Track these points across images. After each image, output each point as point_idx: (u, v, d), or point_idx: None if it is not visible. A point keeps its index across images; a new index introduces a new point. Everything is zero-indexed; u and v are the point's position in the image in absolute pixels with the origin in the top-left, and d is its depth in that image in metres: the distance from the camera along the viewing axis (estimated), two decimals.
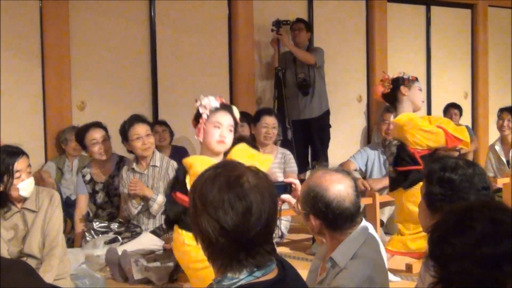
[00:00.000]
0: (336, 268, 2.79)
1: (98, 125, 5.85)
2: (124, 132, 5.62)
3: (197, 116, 3.95)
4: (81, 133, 5.88)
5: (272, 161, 6.15)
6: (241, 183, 1.94)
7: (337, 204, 2.77)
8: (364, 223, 2.92)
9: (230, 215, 1.90)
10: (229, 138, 3.92)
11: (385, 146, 5.72)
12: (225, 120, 3.93)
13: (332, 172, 2.89)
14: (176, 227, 3.86)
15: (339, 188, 2.79)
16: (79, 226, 6.04)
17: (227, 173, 1.96)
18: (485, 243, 1.66)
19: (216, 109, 3.92)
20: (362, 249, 2.81)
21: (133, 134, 5.55)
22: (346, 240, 2.82)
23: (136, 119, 5.70)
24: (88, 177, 6.13)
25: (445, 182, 2.75)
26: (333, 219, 2.78)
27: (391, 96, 5.28)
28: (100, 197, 6.03)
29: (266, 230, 1.96)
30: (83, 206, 6.14)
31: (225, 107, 3.99)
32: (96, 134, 5.71)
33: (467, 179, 2.74)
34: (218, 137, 3.83)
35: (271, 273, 1.99)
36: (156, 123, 7.41)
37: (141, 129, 5.57)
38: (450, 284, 1.71)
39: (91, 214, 6.16)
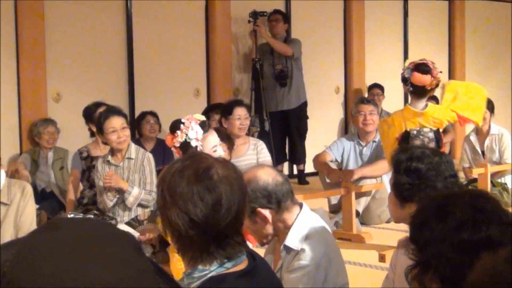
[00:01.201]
0: (292, 253, 2.88)
1: (118, 112, 5.72)
2: (100, 124, 5.58)
3: (186, 148, 4.18)
4: (100, 119, 5.71)
5: (245, 152, 6.18)
6: (210, 175, 1.92)
7: (273, 182, 2.84)
8: (304, 206, 3.00)
9: (199, 208, 1.89)
10: (222, 152, 4.17)
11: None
12: (216, 140, 4.25)
13: (247, 169, 3.03)
14: (171, 248, 3.92)
15: (265, 170, 2.91)
16: (71, 194, 6.13)
17: (196, 165, 1.95)
18: (464, 229, 1.68)
19: (204, 136, 4.15)
20: (312, 229, 2.91)
21: (108, 127, 5.49)
22: (294, 225, 2.89)
23: (112, 111, 5.64)
24: (85, 154, 6.16)
25: (412, 172, 2.77)
26: (277, 199, 2.84)
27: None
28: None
29: (236, 222, 1.95)
30: (75, 180, 6.20)
31: (205, 127, 4.26)
32: (115, 123, 5.58)
33: (434, 167, 2.77)
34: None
35: (241, 264, 1.98)
36: (148, 113, 7.39)
37: (116, 122, 5.51)
38: (428, 267, 1.73)
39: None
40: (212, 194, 1.90)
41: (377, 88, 9.37)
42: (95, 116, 5.85)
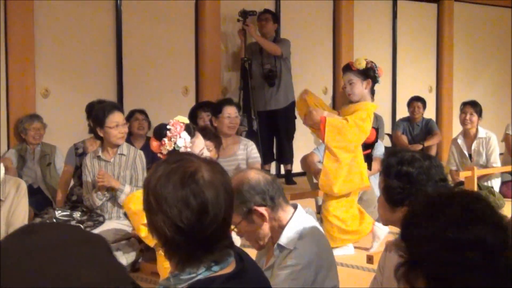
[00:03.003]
0: (285, 251, 2.92)
1: (119, 108, 5.70)
2: (102, 118, 5.53)
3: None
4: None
5: (235, 152, 6.18)
6: (196, 180, 1.89)
7: (264, 180, 2.89)
8: (299, 207, 3.04)
9: (185, 214, 1.86)
10: (208, 153, 4.27)
11: None
12: (202, 143, 4.28)
13: (234, 174, 3.14)
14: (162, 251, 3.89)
15: (253, 171, 2.98)
16: (60, 194, 6.12)
17: (182, 169, 1.92)
18: (452, 228, 1.67)
19: (191, 141, 4.15)
20: (306, 229, 2.95)
21: (112, 121, 5.46)
22: (289, 224, 2.93)
23: (115, 106, 5.65)
24: (80, 151, 6.13)
25: (402, 176, 2.76)
26: (271, 196, 2.88)
27: None
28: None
29: (223, 226, 1.94)
30: (68, 176, 6.18)
31: (189, 129, 4.25)
32: (119, 118, 5.56)
33: (424, 171, 2.77)
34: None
35: (229, 267, 1.97)
36: (137, 111, 7.38)
37: (119, 117, 5.51)
38: (415, 266, 1.72)
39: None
40: (197, 199, 1.87)
41: (417, 101, 9.35)
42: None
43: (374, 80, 5.60)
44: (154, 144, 4.28)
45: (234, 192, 2.80)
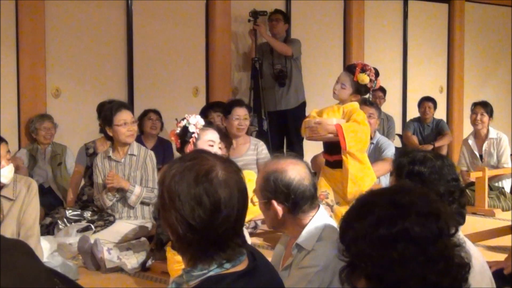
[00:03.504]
0: (303, 252, 2.89)
1: (128, 107, 5.72)
2: (110, 116, 5.55)
3: (184, 134, 4.13)
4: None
5: (245, 152, 6.18)
6: (210, 179, 1.90)
7: (297, 184, 2.85)
8: (321, 208, 3.00)
9: (197, 213, 1.88)
10: (218, 151, 4.18)
11: None
12: (216, 137, 4.22)
13: (284, 157, 2.99)
14: (169, 248, 3.91)
15: (296, 169, 2.89)
16: (71, 194, 6.16)
17: (197, 167, 1.93)
18: (381, 225, 1.70)
19: (204, 127, 4.12)
20: (326, 231, 2.90)
21: (119, 119, 5.48)
22: (309, 225, 2.91)
23: (123, 105, 5.67)
24: (91, 151, 6.16)
25: (414, 175, 2.76)
26: (295, 200, 2.85)
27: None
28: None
29: (235, 225, 1.95)
30: (78, 176, 6.23)
31: (211, 125, 4.28)
32: (127, 116, 5.57)
33: (436, 171, 2.76)
34: None
35: (241, 265, 1.98)
36: (150, 110, 7.40)
37: (127, 115, 5.53)
38: (354, 267, 1.76)
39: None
40: (210, 198, 1.88)
41: (379, 91, 9.32)
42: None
43: (361, 96, 5.57)
44: (172, 131, 4.35)
45: (265, 176, 2.83)
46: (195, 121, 4.19)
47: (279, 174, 2.84)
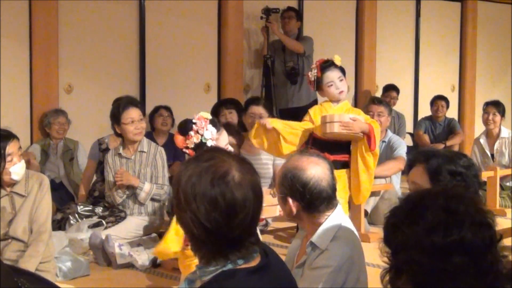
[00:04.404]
0: (317, 251, 2.87)
1: (136, 104, 5.69)
2: (117, 114, 5.55)
3: (200, 147, 4.14)
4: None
5: (262, 151, 6.17)
6: (226, 181, 1.90)
7: (314, 184, 2.83)
8: (338, 207, 2.98)
9: (213, 215, 1.88)
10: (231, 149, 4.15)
11: None
12: (227, 138, 4.30)
13: (308, 155, 2.97)
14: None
15: (316, 169, 2.87)
16: (83, 189, 6.19)
17: (213, 169, 1.92)
18: (435, 233, 1.64)
19: (217, 134, 4.19)
20: (341, 231, 2.89)
21: (127, 117, 5.48)
22: (325, 223, 2.89)
23: (131, 102, 5.64)
24: (104, 146, 6.20)
25: (457, 175, 2.74)
26: (310, 200, 2.85)
27: None
28: None
29: (250, 226, 1.95)
30: (91, 171, 6.26)
31: (216, 125, 4.28)
32: (134, 114, 5.57)
33: (474, 174, 2.77)
34: None
35: (253, 261, 1.98)
36: (162, 107, 7.41)
37: (135, 113, 5.51)
38: (400, 272, 1.70)
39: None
40: (226, 201, 1.88)
41: (393, 91, 9.30)
42: None
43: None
44: (179, 139, 4.27)
45: (285, 171, 2.85)
46: (209, 135, 4.16)
47: (297, 172, 2.84)
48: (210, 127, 4.17)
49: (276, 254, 2.17)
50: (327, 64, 5.46)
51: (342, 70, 5.52)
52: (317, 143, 5.31)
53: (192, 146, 4.17)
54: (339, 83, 5.39)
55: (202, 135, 4.15)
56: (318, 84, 5.41)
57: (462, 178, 2.73)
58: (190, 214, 1.90)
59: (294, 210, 2.88)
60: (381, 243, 1.81)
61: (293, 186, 2.84)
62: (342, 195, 5.13)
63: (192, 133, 4.18)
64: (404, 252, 1.68)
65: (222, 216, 1.88)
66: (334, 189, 2.93)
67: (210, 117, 4.31)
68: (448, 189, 1.90)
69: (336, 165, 5.09)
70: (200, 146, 4.11)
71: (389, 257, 1.74)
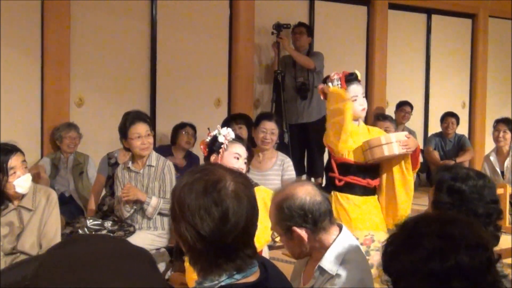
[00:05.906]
0: (326, 275, 2.82)
1: (143, 118, 5.65)
2: (124, 129, 5.57)
3: (213, 143, 4.16)
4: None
5: (271, 167, 6.15)
6: (218, 189, 1.94)
7: (310, 202, 2.81)
8: (344, 228, 2.95)
9: (206, 222, 1.91)
10: (243, 166, 4.14)
11: None
12: (244, 152, 4.19)
13: (287, 184, 3.00)
14: (187, 257, 3.90)
15: (304, 189, 2.85)
16: (92, 203, 6.16)
17: (205, 178, 1.97)
18: (432, 260, 1.65)
19: (233, 140, 4.14)
20: (349, 254, 2.85)
21: (133, 132, 5.49)
22: (332, 246, 2.85)
23: (138, 117, 5.64)
24: (113, 160, 6.20)
25: (455, 192, 2.73)
26: (313, 219, 2.81)
27: None
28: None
29: (245, 235, 1.97)
30: (100, 185, 6.25)
31: (240, 139, 4.27)
32: (141, 129, 5.58)
33: (477, 190, 2.73)
34: (238, 168, 3.91)
35: (252, 276, 2.00)
36: (187, 124, 7.39)
37: (141, 128, 5.51)
38: None
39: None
40: (218, 208, 1.92)
41: (407, 105, 9.32)
42: None
43: None
44: (202, 142, 4.35)
45: (277, 206, 2.83)
46: (225, 132, 4.21)
47: (289, 200, 2.80)
48: (230, 130, 4.23)
49: (277, 268, 2.18)
50: (352, 77, 5.04)
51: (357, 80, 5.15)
52: (352, 169, 4.93)
53: (208, 140, 4.22)
54: (362, 100, 5.03)
55: (218, 130, 4.21)
56: None
57: (460, 197, 2.71)
58: (184, 223, 1.94)
59: (305, 237, 2.81)
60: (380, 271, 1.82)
61: (292, 214, 2.79)
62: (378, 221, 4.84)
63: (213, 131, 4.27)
64: (404, 279, 1.70)
65: (215, 222, 1.91)
66: (329, 201, 2.92)
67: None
68: (442, 214, 1.91)
69: (374, 191, 4.93)
70: (213, 141, 4.18)
71: (389, 285, 1.75)
